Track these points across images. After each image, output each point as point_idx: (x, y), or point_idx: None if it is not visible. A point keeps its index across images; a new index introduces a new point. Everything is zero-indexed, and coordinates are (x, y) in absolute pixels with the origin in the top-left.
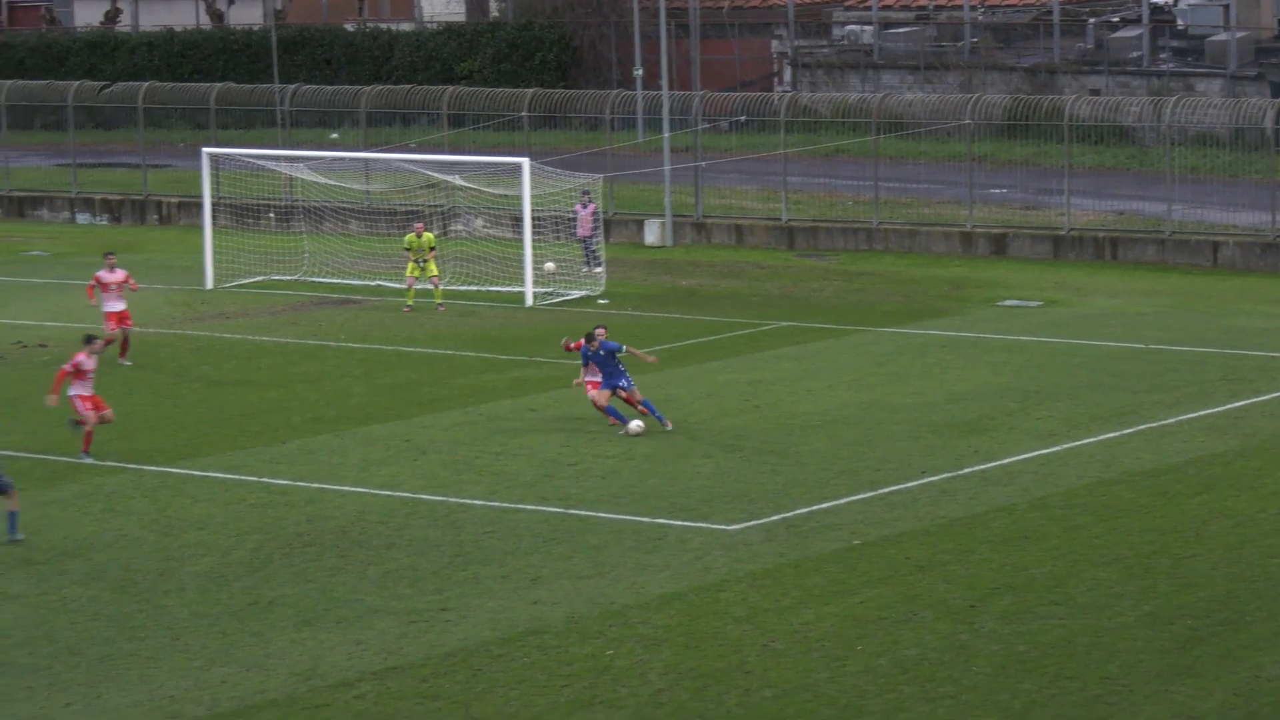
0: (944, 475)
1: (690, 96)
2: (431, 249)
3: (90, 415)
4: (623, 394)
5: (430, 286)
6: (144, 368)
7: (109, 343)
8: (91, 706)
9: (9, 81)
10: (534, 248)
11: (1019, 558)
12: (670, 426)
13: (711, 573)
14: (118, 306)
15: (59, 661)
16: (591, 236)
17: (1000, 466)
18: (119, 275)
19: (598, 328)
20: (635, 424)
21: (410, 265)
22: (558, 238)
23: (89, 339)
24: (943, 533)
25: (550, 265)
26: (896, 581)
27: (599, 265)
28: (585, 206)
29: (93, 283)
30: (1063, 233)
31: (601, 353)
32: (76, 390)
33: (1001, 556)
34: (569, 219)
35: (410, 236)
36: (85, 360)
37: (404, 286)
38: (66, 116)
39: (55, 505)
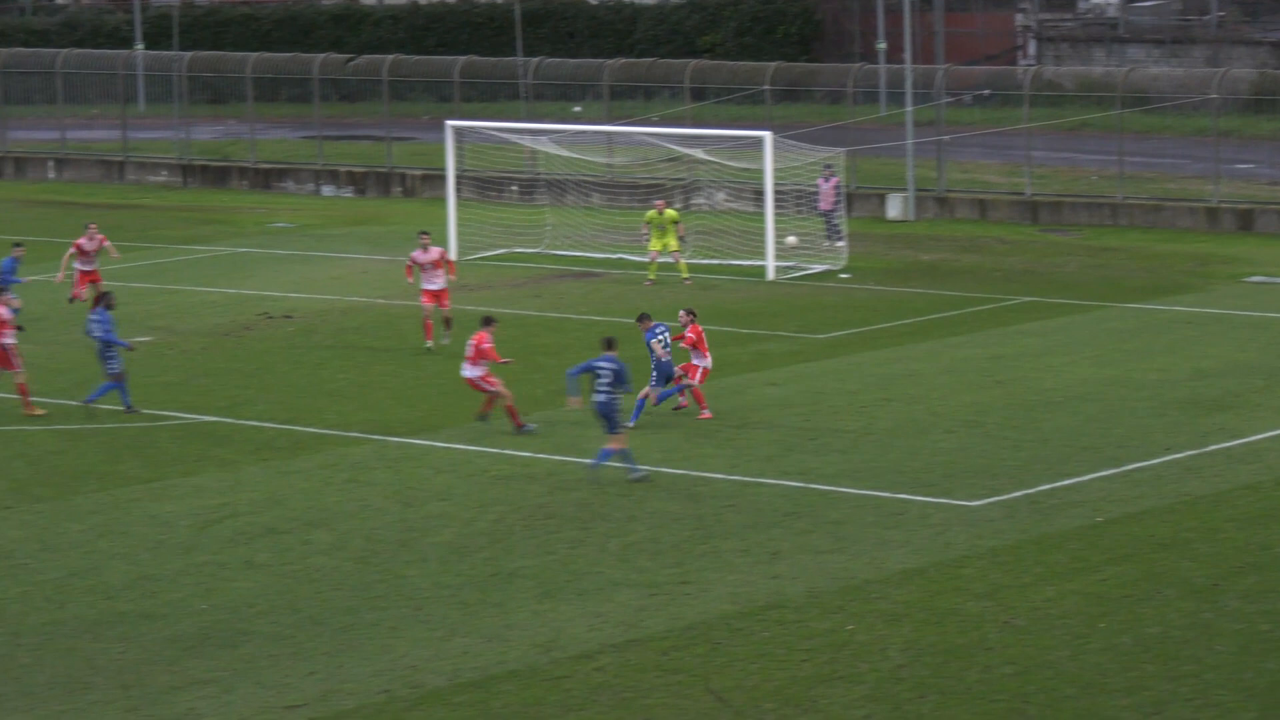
0: (1188, 452)
1: (933, 70)
2: (675, 223)
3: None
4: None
5: (671, 260)
6: (386, 340)
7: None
8: (333, 675)
9: (255, 54)
10: (775, 222)
11: (1264, 536)
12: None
13: (952, 549)
14: (435, 285)
15: (302, 631)
16: (833, 210)
17: (1246, 444)
18: (434, 254)
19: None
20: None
21: (654, 239)
22: (799, 212)
23: (487, 320)
24: (1186, 510)
25: (792, 239)
26: (1139, 559)
27: (841, 239)
28: (827, 180)
29: (409, 263)
30: None
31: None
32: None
33: (1246, 535)
34: (810, 193)
35: (651, 213)
36: (486, 340)
37: (646, 260)
38: (312, 89)
39: (300, 475)
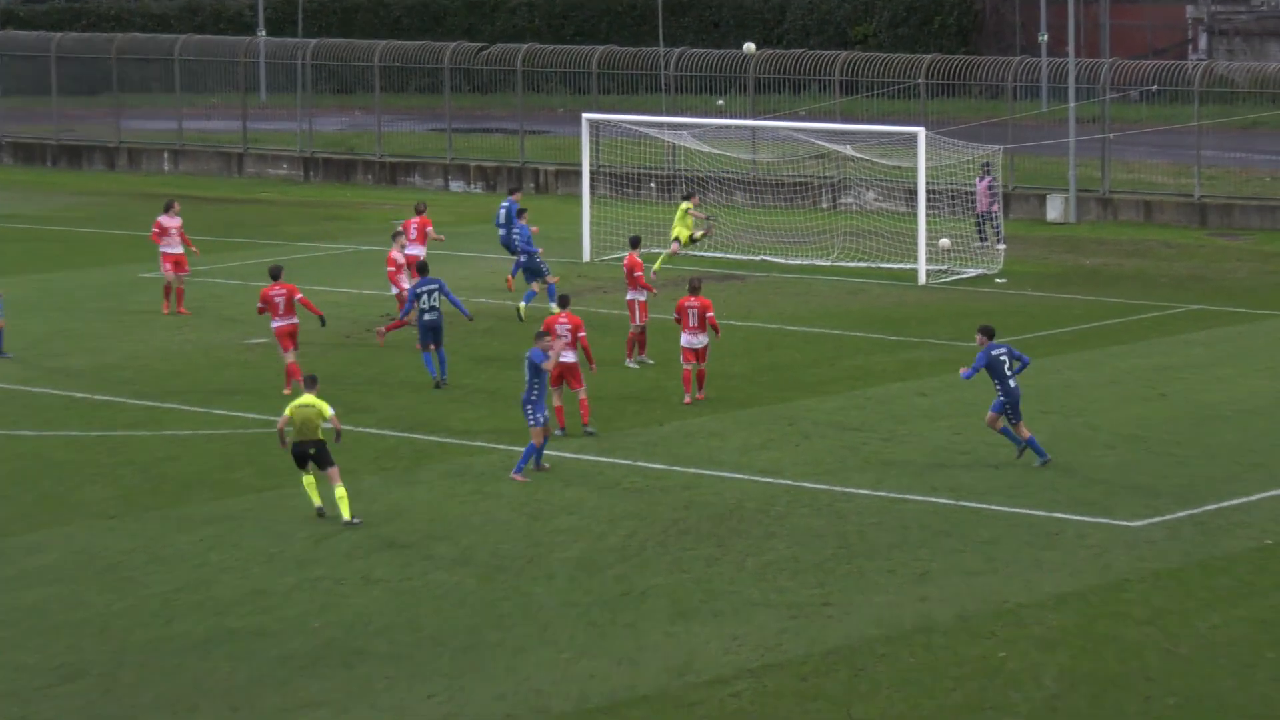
0: None
1: (1098, 64)
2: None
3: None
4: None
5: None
6: (516, 343)
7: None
8: (455, 698)
9: (384, 42)
10: (928, 223)
11: None
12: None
13: (1112, 571)
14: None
15: (421, 650)
16: (990, 211)
17: None
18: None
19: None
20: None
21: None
22: (953, 213)
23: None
24: None
25: (945, 241)
26: None
27: (1001, 242)
28: (982, 179)
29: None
30: None
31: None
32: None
33: None
34: (966, 192)
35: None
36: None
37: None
38: (442, 79)
39: (423, 486)
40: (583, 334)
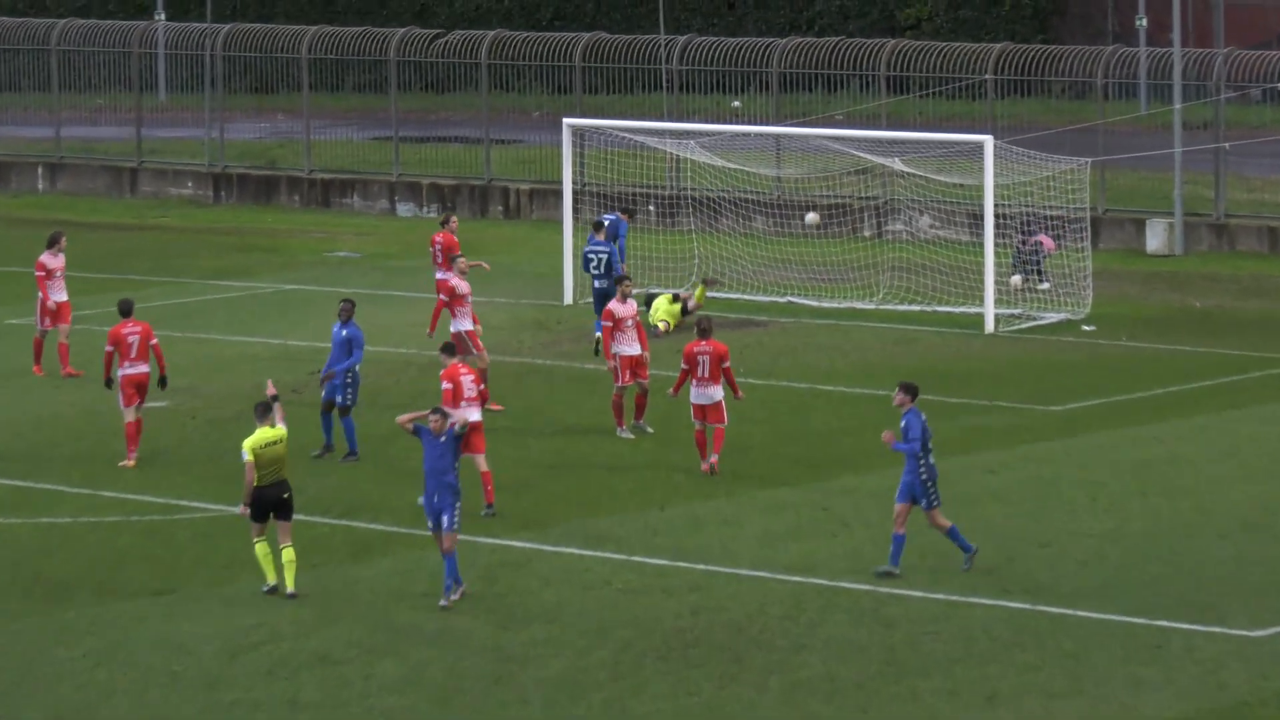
0: None
1: (1210, 55)
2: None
3: None
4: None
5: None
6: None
7: None
8: None
9: (314, 28)
10: (997, 255)
11: None
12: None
13: (1228, 691)
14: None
15: None
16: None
17: None
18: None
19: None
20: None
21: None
22: (1028, 242)
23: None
24: None
25: (1017, 279)
26: None
27: (1045, 280)
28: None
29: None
30: None
31: None
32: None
33: None
34: (1049, 217)
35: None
36: None
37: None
38: (387, 74)
39: (363, 584)
40: (483, 386)
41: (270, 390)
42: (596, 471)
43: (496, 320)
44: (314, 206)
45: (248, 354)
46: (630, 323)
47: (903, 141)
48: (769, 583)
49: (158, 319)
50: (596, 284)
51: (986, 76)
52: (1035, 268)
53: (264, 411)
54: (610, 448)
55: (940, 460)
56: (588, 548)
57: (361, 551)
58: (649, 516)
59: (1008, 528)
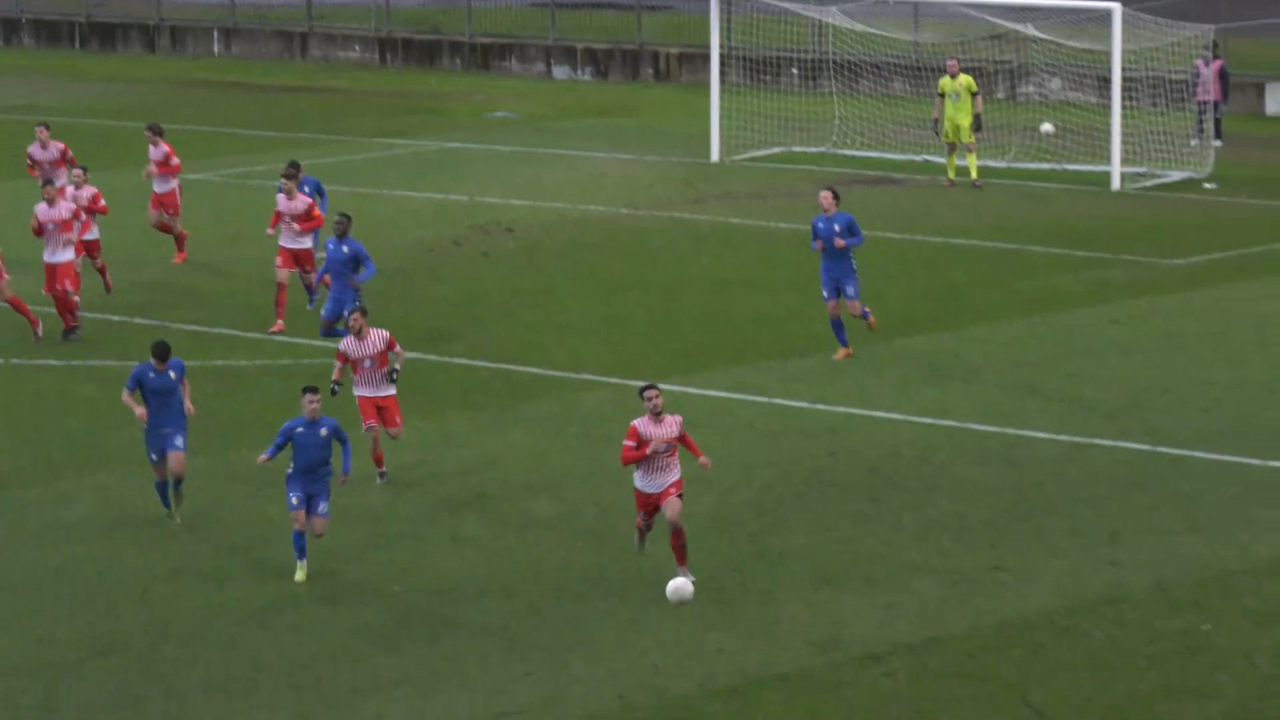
0: None
1: None
2: (974, 94)
3: None
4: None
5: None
6: (631, 261)
7: None
8: (557, 676)
9: None
10: (1125, 116)
11: None
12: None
13: None
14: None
15: (518, 621)
16: (1214, 100)
17: None
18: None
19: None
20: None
21: (946, 119)
22: (1155, 104)
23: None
24: None
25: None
26: None
27: (1218, 138)
28: (1208, 64)
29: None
30: None
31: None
32: None
33: None
34: (1171, 80)
35: (944, 80)
36: None
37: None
38: None
39: (520, 427)
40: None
41: None
42: (740, 323)
43: (646, 178)
44: (474, 70)
45: (409, 209)
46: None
47: (1035, 8)
48: (902, 425)
49: (328, 175)
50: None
51: None
52: (1215, 126)
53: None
54: (754, 299)
55: (1067, 311)
56: (733, 391)
57: (519, 395)
58: (790, 364)
59: (1131, 375)
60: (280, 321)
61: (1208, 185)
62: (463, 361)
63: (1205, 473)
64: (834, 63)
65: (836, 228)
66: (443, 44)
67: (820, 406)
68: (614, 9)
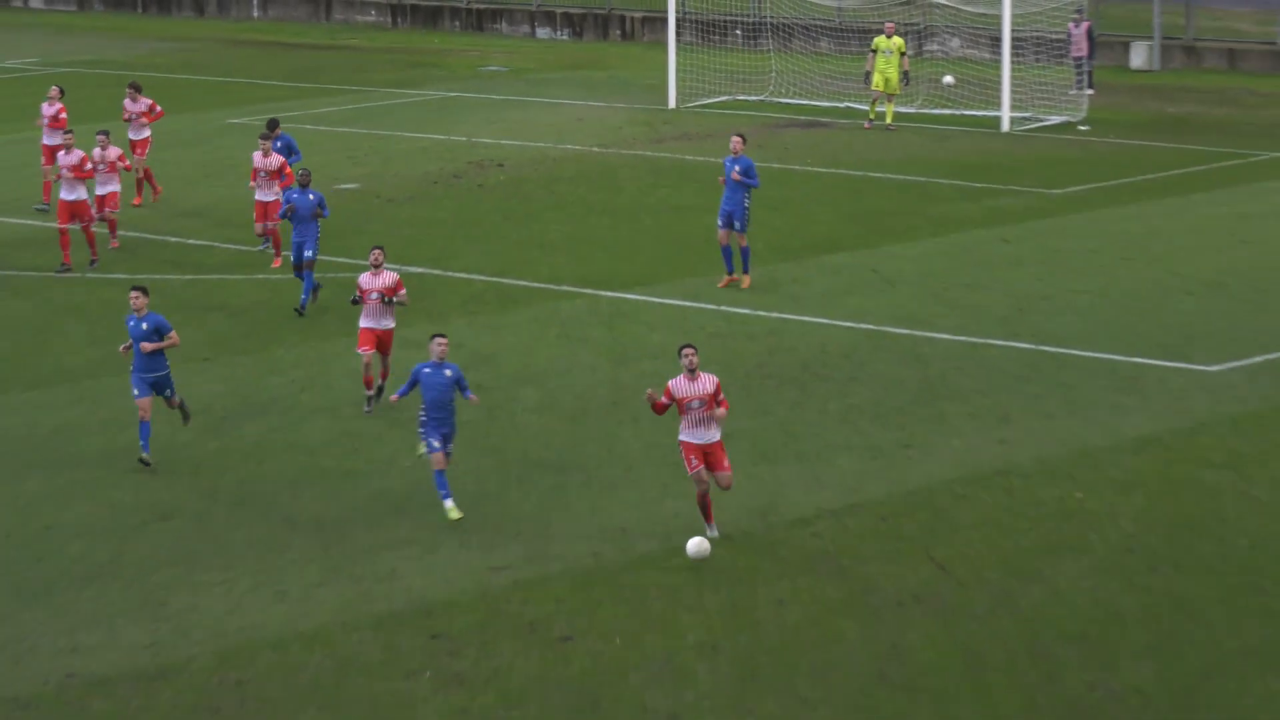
0: None
1: None
2: (903, 53)
3: None
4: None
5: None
6: (601, 191)
7: None
8: (541, 534)
9: None
10: (1013, 70)
11: None
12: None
13: (1190, 415)
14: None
15: (509, 490)
16: (1086, 57)
17: None
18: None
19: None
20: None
21: (876, 72)
22: (1038, 59)
23: None
24: None
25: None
26: None
27: (1090, 88)
28: (1078, 25)
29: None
30: None
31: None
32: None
33: None
34: (1052, 39)
35: (880, 38)
36: None
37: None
38: None
39: (509, 329)
40: (403, 291)
41: None
42: (693, 243)
43: (615, 121)
44: (470, 30)
45: (417, 147)
46: None
47: None
48: (829, 328)
49: (349, 120)
50: None
51: None
52: (1085, 79)
53: None
54: (705, 221)
55: (966, 233)
56: (686, 300)
57: (509, 303)
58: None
59: (1019, 286)
60: (278, 258)
61: (1082, 128)
62: (462, 275)
63: (1080, 367)
64: (771, 25)
65: (737, 168)
66: (444, 9)
67: (760, 313)
68: None
